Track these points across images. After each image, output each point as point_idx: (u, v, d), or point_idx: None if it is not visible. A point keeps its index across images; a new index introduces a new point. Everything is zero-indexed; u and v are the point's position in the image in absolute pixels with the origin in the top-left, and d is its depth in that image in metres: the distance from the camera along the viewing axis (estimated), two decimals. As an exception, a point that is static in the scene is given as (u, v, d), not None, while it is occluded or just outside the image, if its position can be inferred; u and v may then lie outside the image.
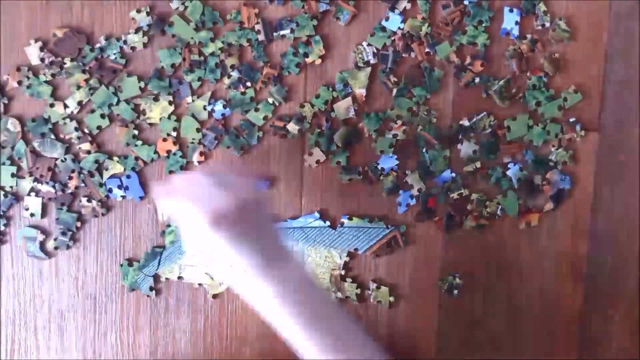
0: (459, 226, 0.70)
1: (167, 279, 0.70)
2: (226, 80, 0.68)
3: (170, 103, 0.68)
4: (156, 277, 0.70)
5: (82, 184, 0.68)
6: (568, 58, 0.69)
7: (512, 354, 0.71)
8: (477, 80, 0.69)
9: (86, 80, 0.67)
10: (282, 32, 0.68)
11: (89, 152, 0.68)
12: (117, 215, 0.69)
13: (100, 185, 0.68)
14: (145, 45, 0.67)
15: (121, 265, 0.69)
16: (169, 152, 0.68)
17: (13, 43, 0.67)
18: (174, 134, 0.68)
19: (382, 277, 0.71)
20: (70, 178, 0.68)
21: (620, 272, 0.71)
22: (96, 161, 0.68)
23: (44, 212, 0.68)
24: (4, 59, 0.67)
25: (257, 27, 0.67)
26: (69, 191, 0.68)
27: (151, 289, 0.69)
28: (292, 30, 0.67)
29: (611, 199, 0.71)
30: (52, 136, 0.67)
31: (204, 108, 0.68)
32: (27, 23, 0.67)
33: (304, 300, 0.53)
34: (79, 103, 0.67)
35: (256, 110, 0.68)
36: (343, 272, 0.70)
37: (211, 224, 0.50)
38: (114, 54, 0.67)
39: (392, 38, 0.68)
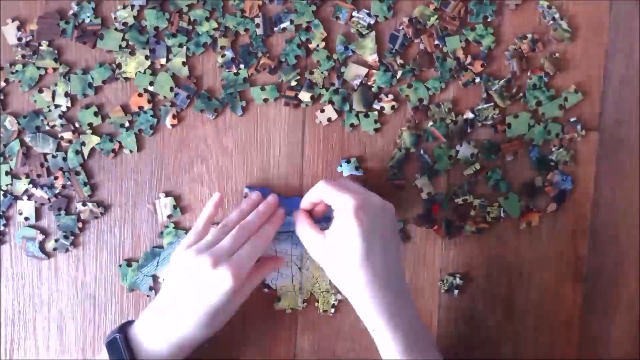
0: (459, 232, 0.70)
1: (164, 279, 0.70)
2: (219, 59, 0.68)
3: (146, 58, 0.67)
4: (155, 277, 0.70)
5: (68, 182, 0.68)
6: (569, 58, 0.69)
7: (512, 354, 0.71)
8: (477, 80, 0.68)
9: (54, 69, 0.67)
10: (282, 26, 0.67)
11: (70, 142, 0.67)
12: (116, 215, 0.69)
13: (85, 184, 0.68)
14: (135, 18, 0.67)
15: (120, 266, 0.69)
16: (141, 107, 0.68)
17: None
18: (151, 88, 0.68)
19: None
20: (56, 178, 0.68)
21: (620, 272, 0.71)
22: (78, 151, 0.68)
23: (38, 216, 0.69)
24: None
25: (257, 20, 0.67)
26: (57, 191, 0.68)
27: (150, 289, 0.69)
28: (292, 21, 0.67)
29: (611, 199, 0.70)
30: (47, 127, 0.67)
31: (183, 64, 0.67)
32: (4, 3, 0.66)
33: (404, 315, 0.59)
34: (66, 94, 0.67)
35: (262, 89, 0.68)
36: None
37: (355, 209, 0.57)
38: (88, 16, 0.67)
39: (401, 26, 0.68)
